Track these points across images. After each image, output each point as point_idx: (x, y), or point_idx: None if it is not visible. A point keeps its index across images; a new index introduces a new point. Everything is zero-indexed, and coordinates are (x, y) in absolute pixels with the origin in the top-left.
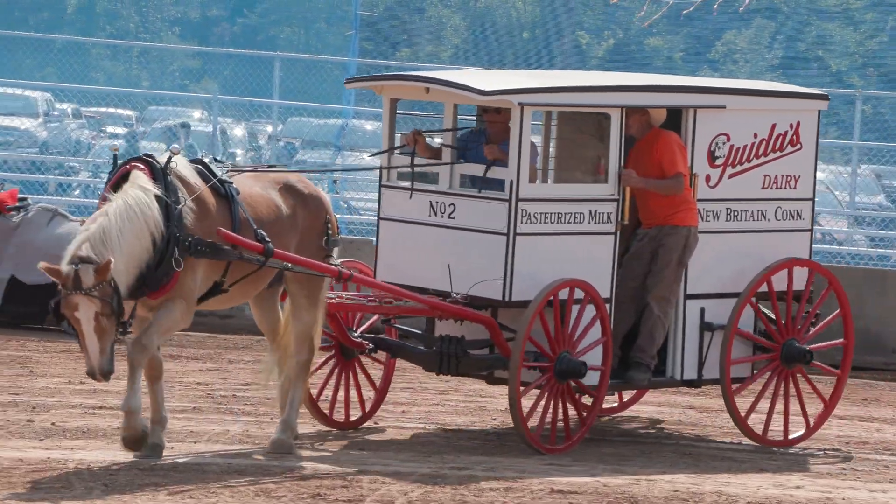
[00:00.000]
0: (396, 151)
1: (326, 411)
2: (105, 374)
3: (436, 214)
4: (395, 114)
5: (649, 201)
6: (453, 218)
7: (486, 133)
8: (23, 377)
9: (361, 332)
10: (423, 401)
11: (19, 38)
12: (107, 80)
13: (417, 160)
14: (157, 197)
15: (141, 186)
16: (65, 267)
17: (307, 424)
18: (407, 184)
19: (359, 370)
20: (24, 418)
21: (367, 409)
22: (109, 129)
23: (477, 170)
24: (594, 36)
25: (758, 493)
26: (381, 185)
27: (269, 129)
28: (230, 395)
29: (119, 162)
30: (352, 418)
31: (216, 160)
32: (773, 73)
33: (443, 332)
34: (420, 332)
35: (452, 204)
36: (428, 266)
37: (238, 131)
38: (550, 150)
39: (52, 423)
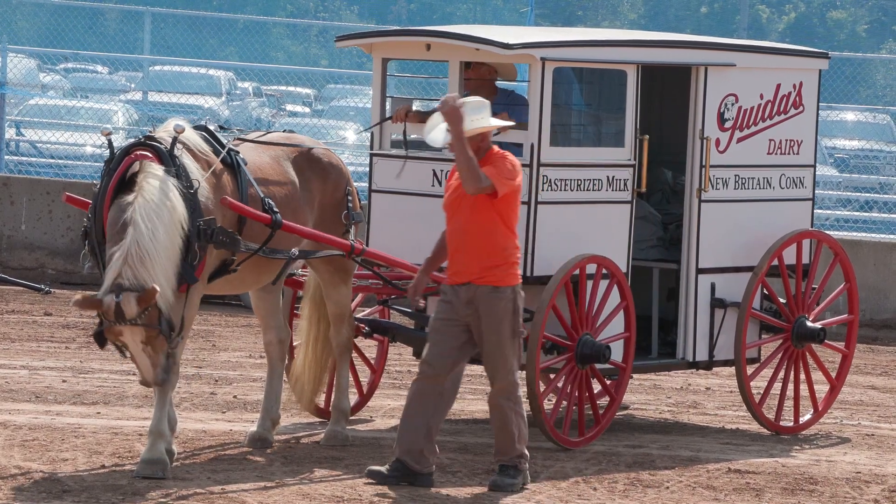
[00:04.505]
0: (386, 126)
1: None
2: (162, 383)
3: (440, 184)
4: (385, 77)
5: (461, 247)
6: None
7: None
8: (206, 351)
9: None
10: None
11: (203, 18)
12: (286, 58)
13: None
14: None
15: (156, 176)
16: (105, 297)
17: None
18: (401, 152)
19: (355, 354)
20: (207, 391)
21: (355, 403)
22: (289, 107)
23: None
24: (774, 10)
25: None
26: (371, 154)
27: None
28: (405, 370)
29: (117, 149)
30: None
31: (221, 127)
32: None
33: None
34: (421, 313)
35: None
36: (431, 241)
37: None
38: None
39: (234, 396)
